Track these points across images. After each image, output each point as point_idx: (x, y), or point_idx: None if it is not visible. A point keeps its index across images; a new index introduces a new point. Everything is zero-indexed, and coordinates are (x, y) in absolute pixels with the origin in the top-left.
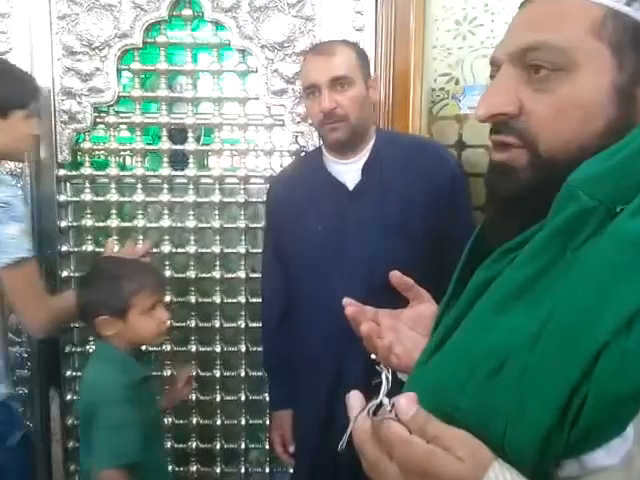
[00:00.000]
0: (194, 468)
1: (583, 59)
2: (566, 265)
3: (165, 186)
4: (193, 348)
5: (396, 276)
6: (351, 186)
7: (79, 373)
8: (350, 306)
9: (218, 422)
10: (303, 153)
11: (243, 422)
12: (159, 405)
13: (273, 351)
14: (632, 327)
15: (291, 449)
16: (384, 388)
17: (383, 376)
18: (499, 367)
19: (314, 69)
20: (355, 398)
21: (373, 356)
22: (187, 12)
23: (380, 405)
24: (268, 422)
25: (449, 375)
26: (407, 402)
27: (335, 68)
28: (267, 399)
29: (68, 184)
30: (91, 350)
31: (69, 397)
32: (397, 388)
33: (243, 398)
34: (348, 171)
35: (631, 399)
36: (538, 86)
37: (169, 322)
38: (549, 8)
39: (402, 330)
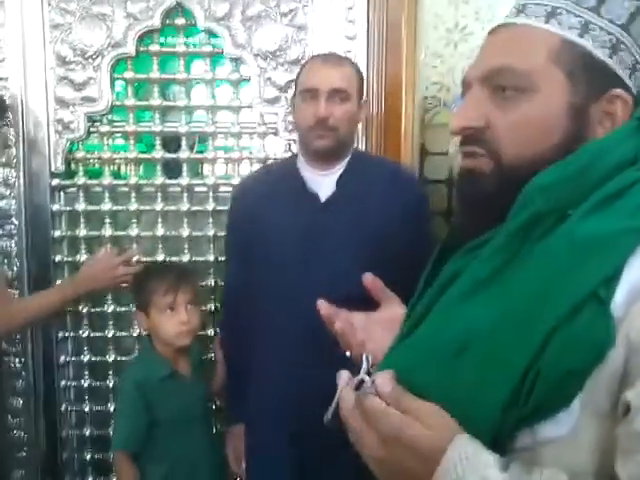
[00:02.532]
0: None
1: (542, 82)
2: (522, 260)
3: (159, 194)
4: None
5: (369, 278)
6: (323, 197)
7: (74, 383)
8: (324, 307)
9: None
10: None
11: None
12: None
13: (233, 356)
14: (577, 314)
15: (243, 464)
16: (365, 366)
17: (364, 357)
18: (462, 349)
19: (318, 75)
20: (343, 375)
21: (348, 353)
22: (180, 21)
23: (362, 381)
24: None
25: (417, 357)
26: (385, 379)
27: (338, 80)
28: None
29: (62, 193)
30: (85, 359)
31: (64, 407)
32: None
33: None
34: (323, 182)
35: (576, 376)
36: (502, 104)
37: (194, 324)
38: (513, 36)
39: (374, 330)
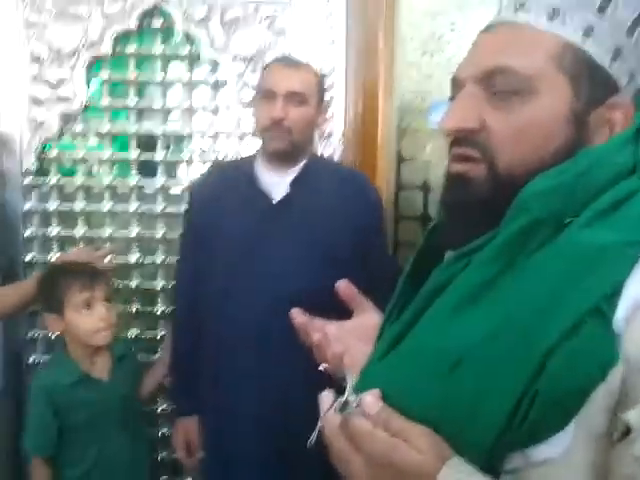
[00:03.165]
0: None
1: (543, 85)
2: (518, 271)
3: (133, 195)
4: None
5: (343, 284)
6: (277, 198)
7: None
8: (299, 316)
9: None
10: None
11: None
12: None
13: (182, 349)
14: (579, 329)
15: (198, 455)
16: (349, 386)
17: (347, 376)
18: (454, 367)
19: (276, 77)
20: (326, 397)
21: (323, 366)
22: (157, 23)
23: (347, 402)
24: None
25: (405, 375)
26: (372, 399)
27: (296, 83)
28: None
29: (34, 192)
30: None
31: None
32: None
33: None
34: (277, 183)
35: (577, 396)
36: (499, 105)
37: (112, 320)
38: (513, 35)
39: (348, 340)
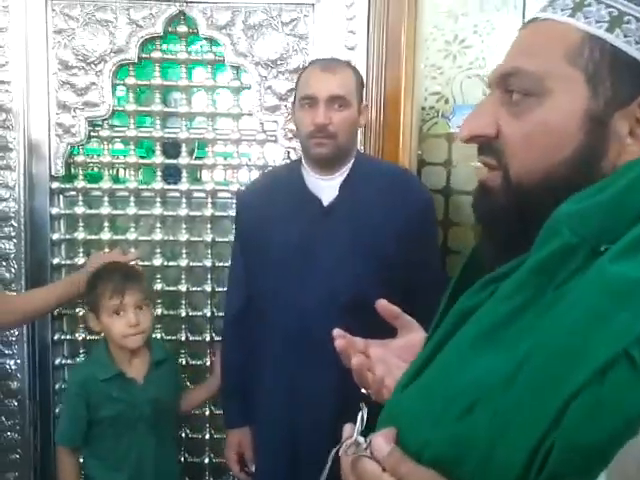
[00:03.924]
0: None
1: (555, 85)
2: (546, 304)
3: (158, 199)
4: (183, 361)
5: (382, 304)
6: (326, 202)
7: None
8: (340, 338)
9: (207, 436)
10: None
11: (207, 436)
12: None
13: (232, 361)
14: (606, 375)
15: (252, 468)
16: (358, 427)
17: (359, 417)
18: (471, 406)
19: (316, 82)
20: (348, 429)
21: (364, 390)
22: (182, 28)
23: (358, 442)
24: None
25: (422, 409)
26: (382, 440)
27: (336, 87)
28: None
29: (61, 197)
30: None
31: (58, 410)
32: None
33: (208, 412)
34: (325, 187)
35: (600, 449)
36: (513, 110)
37: (144, 326)
38: (533, 33)
39: (392, 361)
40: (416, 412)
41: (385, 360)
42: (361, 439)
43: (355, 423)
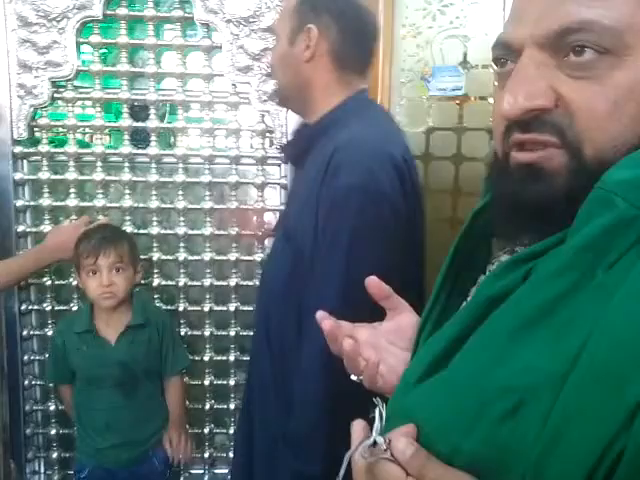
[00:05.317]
0: None
1: (636, 41)
2: (598, 287)
3: (126, 165)
4: None
5: (372, 281)
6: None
7: (38, 357)
8: (326, 320)
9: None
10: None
11: (207, 406)
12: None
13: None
14: None
15: None
16: (377, 426)
17: (377, 412)
18: (515, 407)
19: None
20: (358, 428)
21: (354, 377)
22: None
23: (375, 443)
24: (233, 407)
25: (452, 411)
26: (404, 441)
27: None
28: (232, 383)
29: (25, 162)
30: (49, 333)
31: (27, 382)
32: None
33: (207, 382)
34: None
35: None
36: (581, 73)
37: (116, 288)
38: None
39: (382, 345)
40: (441, 412)
41: (376, 344)
42: (380, 439)
43: (369, 421)
